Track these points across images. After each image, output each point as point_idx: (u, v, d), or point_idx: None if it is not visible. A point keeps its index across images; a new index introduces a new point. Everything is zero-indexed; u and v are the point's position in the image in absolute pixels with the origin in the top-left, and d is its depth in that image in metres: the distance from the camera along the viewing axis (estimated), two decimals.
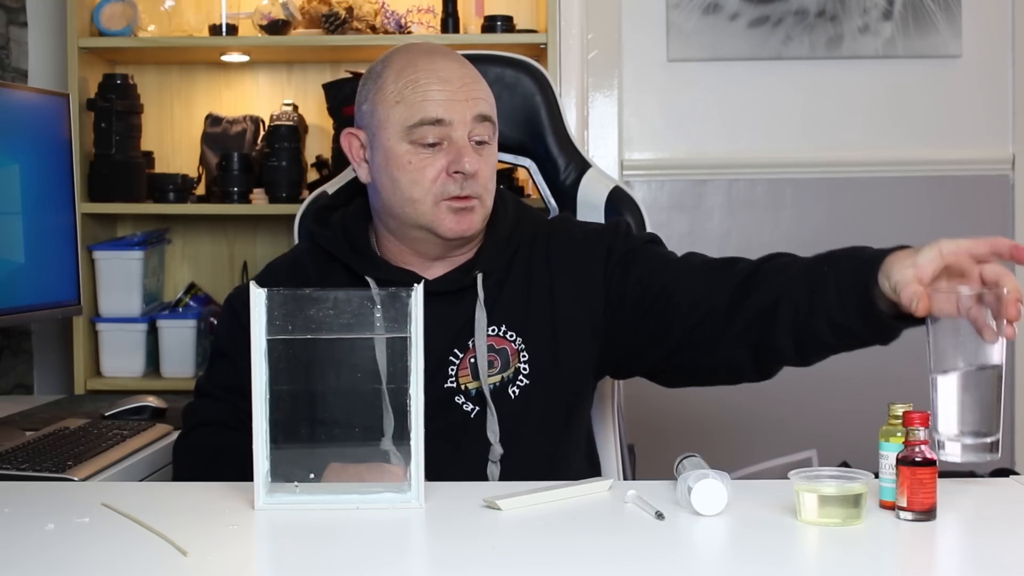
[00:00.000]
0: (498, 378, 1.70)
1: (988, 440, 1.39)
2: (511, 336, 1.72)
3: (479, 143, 1.69)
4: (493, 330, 1.72)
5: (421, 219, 1.68)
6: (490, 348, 1.70)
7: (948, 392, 1.38)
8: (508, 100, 2.09)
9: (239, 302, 1.75)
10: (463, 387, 1.70)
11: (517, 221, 1.78)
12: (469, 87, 1.69)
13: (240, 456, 1.58)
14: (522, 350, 1.72)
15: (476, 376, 1.70)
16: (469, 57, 2.12)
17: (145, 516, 1.32)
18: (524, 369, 1.71)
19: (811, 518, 1.30)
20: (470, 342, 1.70)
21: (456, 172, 1.66)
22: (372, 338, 1.43)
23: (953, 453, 1.38)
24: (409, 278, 1.68)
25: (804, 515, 1.31)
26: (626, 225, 1.82)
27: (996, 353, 1.39)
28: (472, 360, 1.70)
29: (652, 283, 1.70)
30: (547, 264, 1.76)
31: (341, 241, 1.75)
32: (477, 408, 1.70)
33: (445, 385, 1.69)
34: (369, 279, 1.71)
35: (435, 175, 1.67)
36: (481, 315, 1.70)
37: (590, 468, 1.81)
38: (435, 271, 1.74)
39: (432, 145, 1.67)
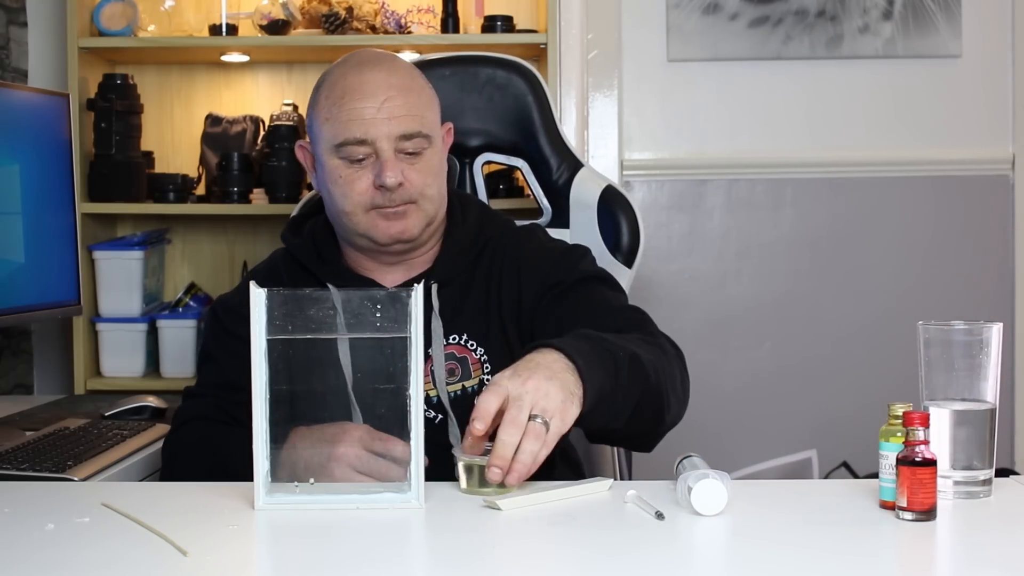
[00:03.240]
0: (459, 386, 1.73)
1: (980, 476, 1.40)
2: (472, 345, 1.74)
3: (410, 154, 1.69)
4: (454, 338, 1.74)
5: (358, 228, 1.71)
6: (451, 356, 1.73)
7: (940, 425, 1.38)
8: (500, 101, 2.09)
9: (222, 309, 1.82)
10: (426, 395, 1.71)
11: (478, 229, 1.79)
12: (393, 102, 1.68)
13: (218, 445, 1.64)
14: (484, 361, 1.74)
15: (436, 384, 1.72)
16: (462, 59, 2.13)
17: (145, 516, 1.32)
18: (488, 380, 1.73)
19: (471, 488, 1.41)
20: (430, 351, 1.71)
21: (380, 186, 1.68)
22: (372, 338, 1.44)
23: (944, 488, 1.38)
24: (369, 285, 1.74)
25: (465, 485, 1.42)
26: (582, 254, 1.80)
27: (991, 389, 1.39)
28: (432, 368, 1.72)
29: (565, 328, 1.66)
30: (501, 276, 1.76)
31: (310, 249, 1.79)
32: (440, 416, 1.72)
33: (407, 393, 1.68)
34: (331, 286, 1.71)
35: (363, 188, 1.69)
36: (437, 325, 1.72)
37: (570, 472, 1.81)
38: (395, 277, 1.76)
39: (360, 160, 1.68)
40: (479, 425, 1.37)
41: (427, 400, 1.71)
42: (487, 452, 1.40)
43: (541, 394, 1.39)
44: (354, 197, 1.69)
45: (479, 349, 1.74)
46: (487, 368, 1.73)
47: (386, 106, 1.68)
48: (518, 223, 1.88)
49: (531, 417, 1.37)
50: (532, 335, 1.73)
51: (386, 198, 1.68)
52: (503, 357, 1.72)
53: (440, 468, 1.67)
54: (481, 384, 1.73)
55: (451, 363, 1.73)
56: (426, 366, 1.71)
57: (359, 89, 1.68)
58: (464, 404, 1.72)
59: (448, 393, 1.72)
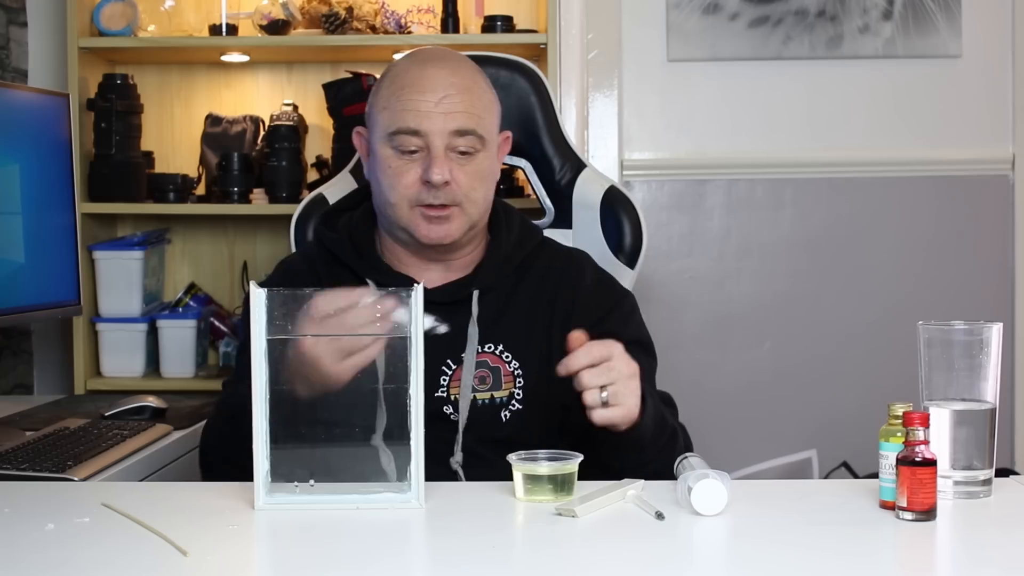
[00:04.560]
0: (488, 395, 1.73)
1: (980, 476, 1.40)
2: (507, 357, 1.74)
3: (462, 153, 1.70)
4: (490, 347, 1.74)
5: (399, 221, 1.73)
6: (484, 364, 1.73)
7: (940, 425, 1.38)
8: (503, 101, 2.08)
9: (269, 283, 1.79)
10: (452, 398, 1.72)
11: (521, 241, 1.81)
12: (452, 99, 1.69)
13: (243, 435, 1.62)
14: (518, 375, 1.74)
15: None
16: None
17: (145, 516, 1.32)
18: (518, 394, 1.74)
19: (521, 496, 1.41)
20: (463, 355, 1.72)
21: (427, 181, 1.69)
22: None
23: (944, 488, 1.38)
24: (408, 283, 1.71)
25: (518, 494, 1.41)
26: (632, 307, 1.83)
27: (991, 389, 1.39)
28: (463, 374, 1.72)
29: None
30: (555, 299, 1.78)
31: (346, 244, 1.79)
32: (457, 418, 1.72)
33: (436, 394, 1.71)
34: (369, 281, 1.73)
35: (411, 182, 1.70)
36: (473, 331, 1.72)
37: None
38: (432, 276, 1.76)
39: (412, 152, 1.70)
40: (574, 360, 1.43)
41: (454, 403, 1.71)
42: (544, 459, 1.42)
43: (630, 387, 1.45)
44: (400, 189, 1.71)
45: (514, 362, 1.74)
46: (519, 382, 1.74)
47: (444, 102, 1.69)
48: (567, 246, 1.91)
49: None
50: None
51: (431, 195, 1.69)
52: (538, 374, 1.73)
53: (442, 467, 1.70)
54: (511, 396, 1.73)
55: (482, 371, 1.73)
56: (457, 369, 1.72)
57: (419, 83, 1.70)
58: (489, 413, 1.72)
59: (477, 400, 1.72)
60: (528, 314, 1.76)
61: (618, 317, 1.79)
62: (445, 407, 1.71)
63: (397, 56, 2.92)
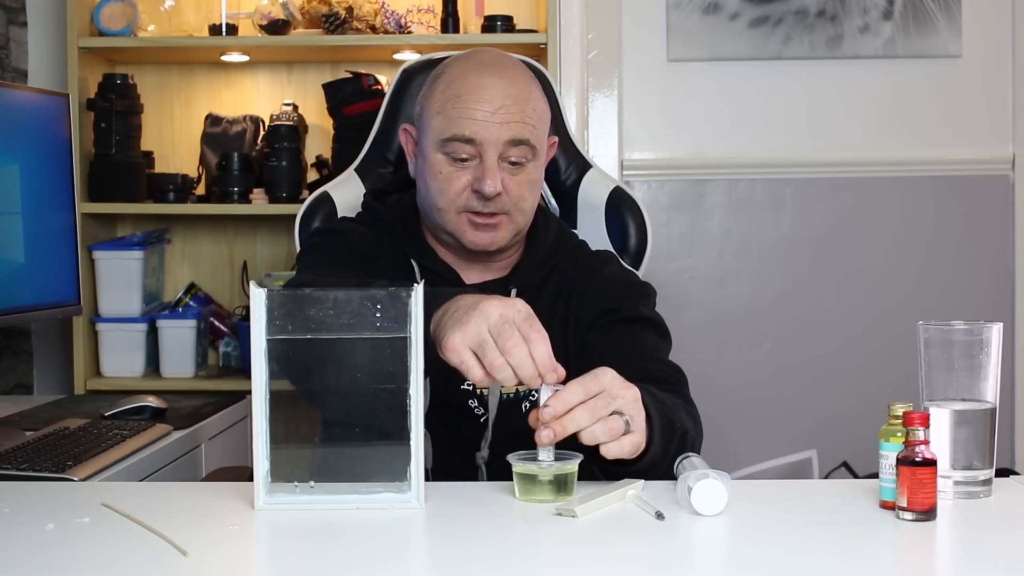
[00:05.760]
0: (513, 389, 1.73)
1: (980, 476, 1.40)
2: None
3: (513, 163, 1.71)
4: None
5: (446, 226, 1.74)
6: None
7: (940, 425, 1.38)
8: None
9: (338, 231, 1.81)
10: (478, 391, 1.73)
11: (556, 244, 1.83)
12: (509, 109, 1.70)
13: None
14: None
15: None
16: None
17: (145, 516, 1.32)
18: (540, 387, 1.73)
19: (521, 496, 1.40)
20: None
21: (477, 191, 1.70)
22: (372, 338, 1.44)
23: (944, 488, 1.38)
24: (450, 273, 1.77)
25: (518, 494, 1.40)
26: (646, 293, 1.81)
27: (991, 389, 1.39)
28: None
29: (602, 357, 1.66)
30: (572, 293, 1.79)
31: (398, 221, 1.81)
32: (485, 416, 1.73)
33: (461, 387, 1.72)
34: (414, 263, 1.76)
35: (460, 189, 1.71)
36: None
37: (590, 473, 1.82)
38: (473, 275, 1.79)
39: (464, 159, 1.70)
40: (551, 410, 1.35)
41: (479, 397, 1.73)
42: (552, 458, 1.40)
43: (636, 408, 1.38)
44: (449, 195, 1.72)
45: None
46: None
47: (500, 113, 1.70)
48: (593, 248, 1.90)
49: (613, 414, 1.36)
50: (580, 355, 1.74)
51: (481, 204, 1.71)
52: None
53: (464, 462, 1.71)
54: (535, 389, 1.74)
55: None
56: None
57: (477, 92, 1.70)
58: (514, 406, 1.74)
59: (502, 395, 1.73)
60: (550, 309, 1.77)
61: (628, 297, 1.78)
62: (470, 400, 1.72)
63: (398, 56, 2.92)
